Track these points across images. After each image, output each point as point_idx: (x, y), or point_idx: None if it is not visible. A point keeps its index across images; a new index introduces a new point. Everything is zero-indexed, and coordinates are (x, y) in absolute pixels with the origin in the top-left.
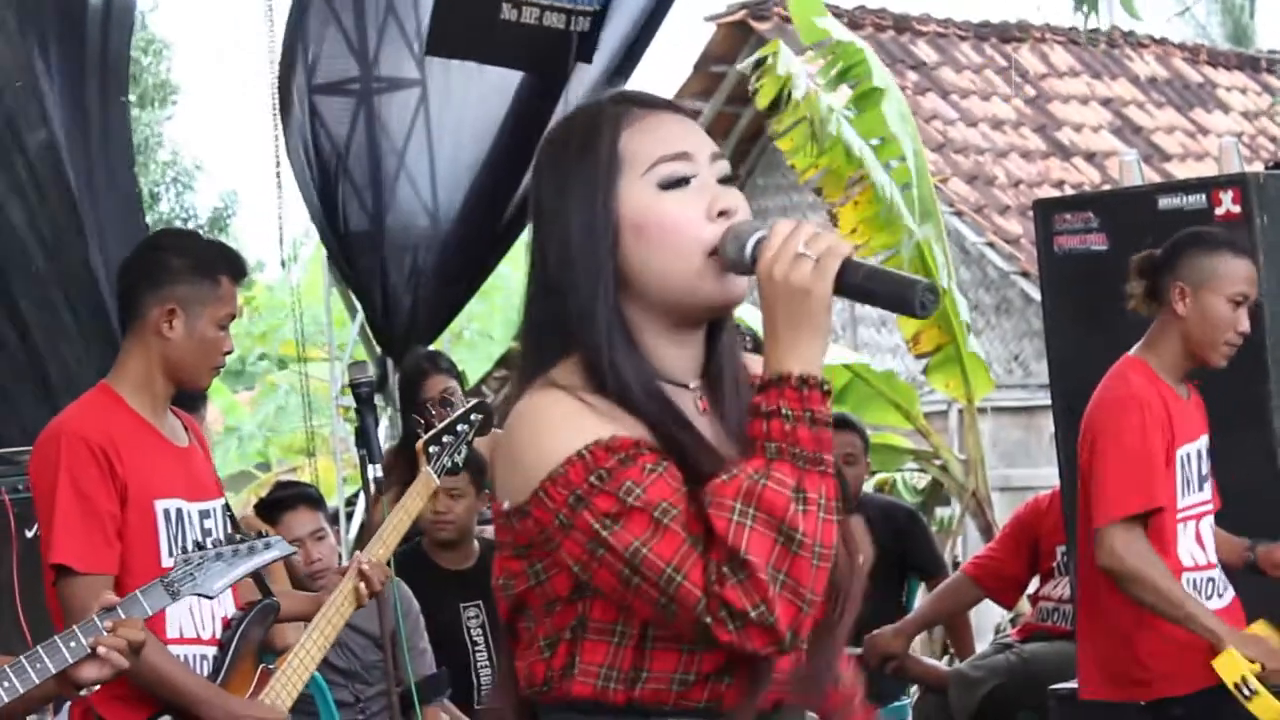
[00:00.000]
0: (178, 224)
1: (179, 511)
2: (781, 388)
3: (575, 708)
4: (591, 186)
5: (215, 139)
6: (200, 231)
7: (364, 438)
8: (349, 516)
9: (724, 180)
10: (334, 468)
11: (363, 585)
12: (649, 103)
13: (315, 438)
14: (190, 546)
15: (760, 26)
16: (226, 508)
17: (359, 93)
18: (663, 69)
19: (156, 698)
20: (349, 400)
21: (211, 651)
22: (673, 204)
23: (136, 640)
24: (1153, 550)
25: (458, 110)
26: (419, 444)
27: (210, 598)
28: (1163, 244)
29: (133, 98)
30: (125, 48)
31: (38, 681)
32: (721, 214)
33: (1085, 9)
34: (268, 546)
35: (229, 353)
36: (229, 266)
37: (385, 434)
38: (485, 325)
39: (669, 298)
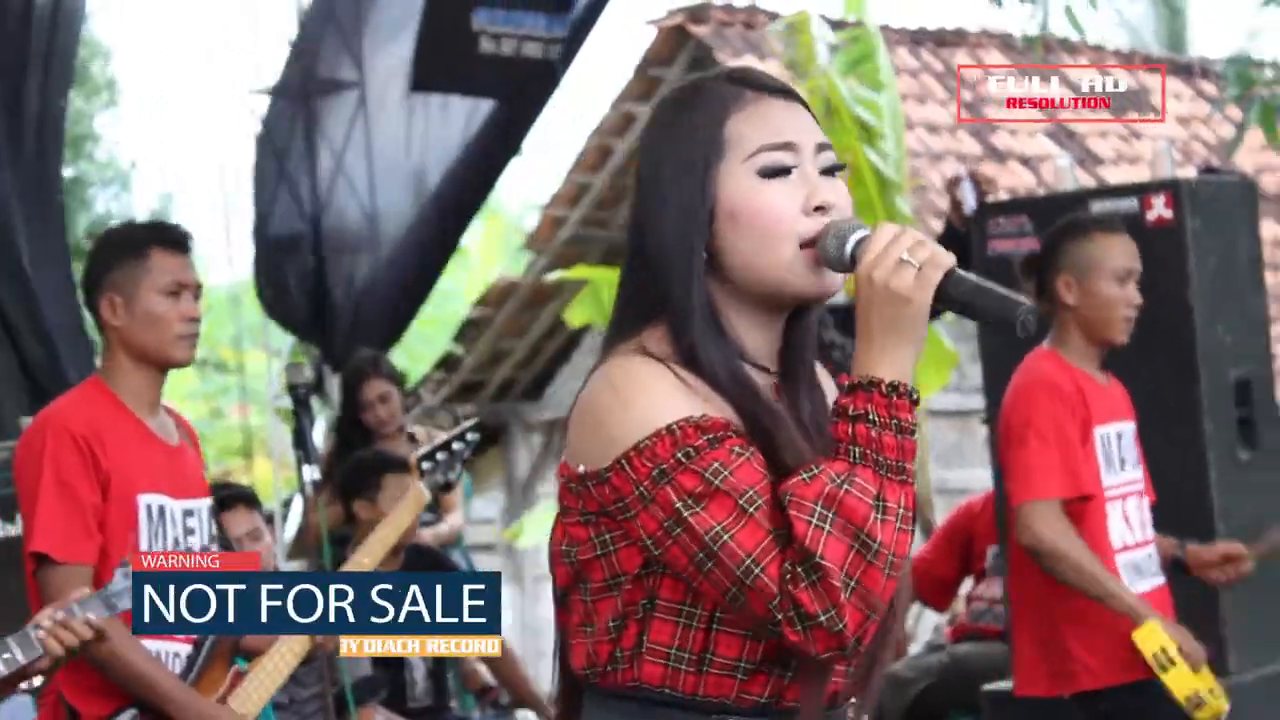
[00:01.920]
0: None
1: (161, 508)
2: (870, 392)
3: (638, 696)
4: (692, 168)
5: (156, 140)
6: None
7: (300, 439)
8: (284, 519)
9: (828, 170)
10: (271, 468)
11: None
12: (762, 86)
13: (253, 439)
14: (170, 545)
15: (698, 30)
16: (213, 509)
17: (299, 94)
18: (606, 72)
19: (127, 692)
20: (288, 401)
21: (185, 649)
22: (770, 194)
23: (85, 636)
24: (1072, 529)
25: (422, 125)
26: (413, 458)
27: None
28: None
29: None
30: (71, 51)
31: None
32: (819, 209)
33: (1035, 9)
34: None
35: (195, 319)
36: (157, 237)
37: (322, 435)
38: (424, 328)
39: (757, 285)
